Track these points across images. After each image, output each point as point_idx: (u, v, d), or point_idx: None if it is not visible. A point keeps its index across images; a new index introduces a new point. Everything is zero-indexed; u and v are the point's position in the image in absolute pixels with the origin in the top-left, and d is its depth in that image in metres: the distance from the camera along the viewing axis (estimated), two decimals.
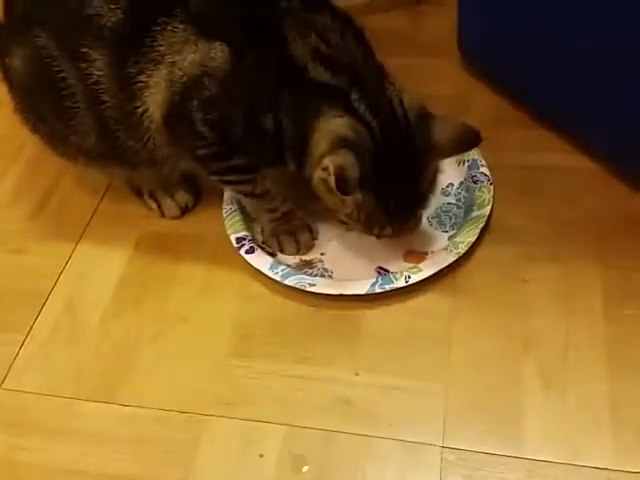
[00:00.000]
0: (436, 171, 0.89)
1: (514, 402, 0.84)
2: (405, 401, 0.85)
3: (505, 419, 0.83)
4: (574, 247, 0.97)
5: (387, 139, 0.84)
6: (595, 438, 0.80)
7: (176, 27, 0.84)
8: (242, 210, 1.04)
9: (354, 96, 0.83)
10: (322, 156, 0.83)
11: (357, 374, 0.88)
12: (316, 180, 0.85)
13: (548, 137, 1.12)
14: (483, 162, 1.06)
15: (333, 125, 0.83)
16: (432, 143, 0.85)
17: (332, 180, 0.80)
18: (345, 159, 0.80)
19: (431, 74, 1.23)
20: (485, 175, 1.05)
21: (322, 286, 0.95)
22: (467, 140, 0.86)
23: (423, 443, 0.81)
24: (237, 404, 0.87)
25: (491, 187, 1.03)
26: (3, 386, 0.91)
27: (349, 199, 0.85)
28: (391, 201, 0.86)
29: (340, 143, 0.82)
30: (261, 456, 0.83)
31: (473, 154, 1.06)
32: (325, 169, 0.81)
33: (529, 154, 1.10)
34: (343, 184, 0.80)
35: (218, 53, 0.83)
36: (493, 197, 1.02)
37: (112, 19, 0.85)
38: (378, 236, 0.92)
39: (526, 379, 0.85)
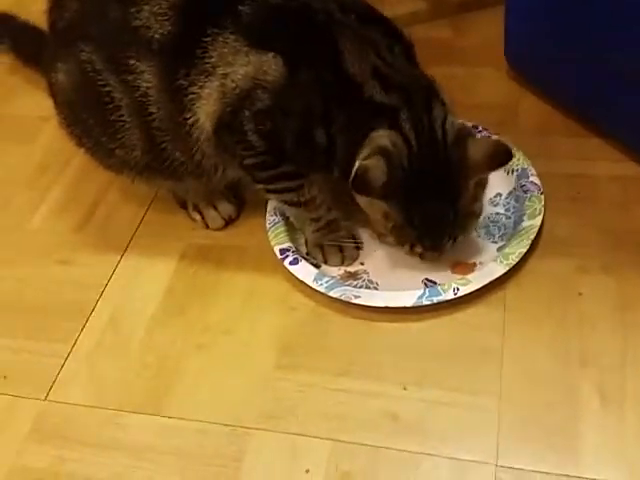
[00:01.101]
0: (477, 192, 0.87)
1: (571, 418, 0.80)
2: (456, 417, 0.82)
3: (562, 436, 0.79)
4: (628, 258, 0.94)
5: (424, 158, 0.84)
6: None
7: (227, 38, 0.84)
8: (286, 221, 1.03)
9: (403, 115, 0.84)
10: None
11: (405, 388, 0.86)
12: (351, 186, 0.85)
13: (598, 145, 1.09)
14: (533, 171, 1.03)
15: (376, 136, 0.84)
16: (467, 162, 0.84)
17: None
18: (373, 162, 0.81)
19: (478, 83, 1.21)
20: (535, 184, 1.02)
21: (367, 298, 0.93)
22: (499, 157, 0.85)
23: (476, 461, 0.78)
24: (282, 417, 0.85)
25: (542, 197, 1.00)
26: (49, 397, 0.91)
27: (377, 206, 0.85)
28: (420, 216, 0.85)
29: (378, 150, 0.83)
30: (307, 472, 0.81)
31: (522, 163, 1.03)
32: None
33: (579, 162, 1.07)
34: (359, 182, 0.81)
35: (272, 66, 0.83)
36: (544, 207, 0.99)
37: (160, 30, 0.85)
38: (420, 255, 0.92)
39: (583, 395, 0.82)
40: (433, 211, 0.86)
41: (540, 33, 1.09)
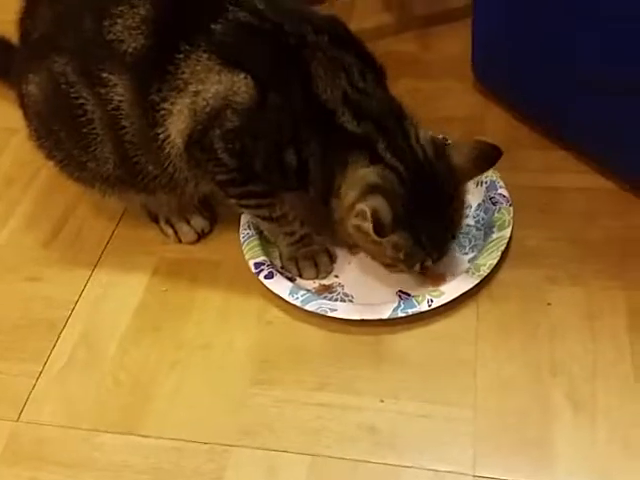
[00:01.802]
0: (464, 195, 0.90)
1: (544, 428, 0.82)
2: (433, 428, 0.83)
3: (536, 445, 0.81)
4: (596, 268, 0.97)
5: (414, 179, 0.85)
6: (627, 464, 0.78)
7: (200, 56, 0.84)
8: (260, 235, 1.03)
9: (380, 145, 0.85)
10: (353, 204, 0.84)
11: (382, 401, 0.86)
12: (350, 228, 0.87)
13: (564, 157, 1.11)
14: (501, 183, 1.05)
15: (362, 175, 0.85)
16: (454, 170, 0.86)
17: (369, 225, 0.81)
18: (376, 202, 0.82)
19: (444, 96, 1.23)
20: (504, 196, 1.04)
21: (343, 311, 0.93)
22: (488, 157, 0.88)
23: (454, 472, 0.80)
24: (260, 433, 0.85)
25: (510, 208, 1.02)
26: (21, 418, 0.90)
27: (385, 242, 0.85)
28: (426, 235, 0.86)
29: (370, 190, 0.83)
30: None
31: (491, 175, 1.05)
32: (358, 215, 0.83)
33: (546, 175, 1.10)
34: (379, 227, 0.81)
35: (242, 87, 0.83)
36: (513, 218, 1.01)
37: (133, 44, 0.85)
38: (421, 269, 0.92)
39: (555, 404, 0.84)
40: (435, 225, 0.87)
41: (506, 46, 1.12)
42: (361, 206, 0.82)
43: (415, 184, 0.85)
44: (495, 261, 0.96)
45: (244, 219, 1.05)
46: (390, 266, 0.93)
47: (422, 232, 0.86)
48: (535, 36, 1.05)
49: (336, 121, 0.84)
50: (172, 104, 0.85)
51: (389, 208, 0.82)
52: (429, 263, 0.91)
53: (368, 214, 0.81)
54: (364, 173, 0.85)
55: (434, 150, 0.87)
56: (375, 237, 0.82)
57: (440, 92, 1.24)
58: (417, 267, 0.91)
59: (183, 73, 0.84)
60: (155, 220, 1.08)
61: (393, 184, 0.84)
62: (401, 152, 0.85)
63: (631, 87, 0.93)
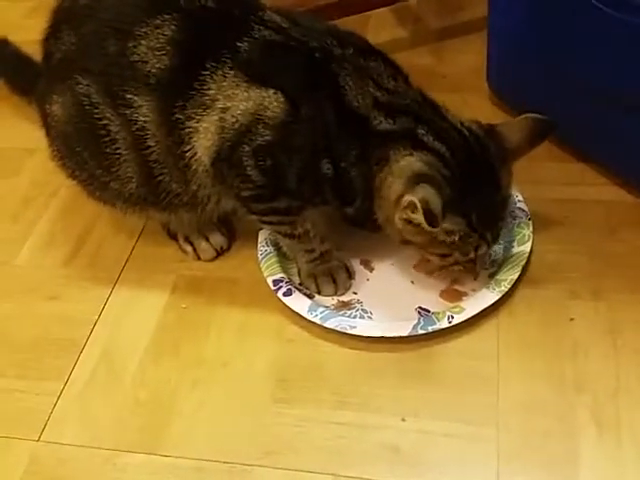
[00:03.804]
0: (511, 176, 0.89)
1: (569, 447, 0.81)
2: (455, 447, 0.83)
3: (560, 465, 0.80)
4: (617, 282, 0.96)
5: (461, 159, 0.84)
6: None
7: (226, 73, 0.84)
8: (278, 251, 1.03)
9: (420, 131, 0.85)
10: (400, 197, 0.83)
11: (404, 420, 0.86)
12: (398, 222, 0.85)
13: (582, 170, 1.11)
14: (520, 197, 1.05)
15: (404, 164, 0.84)
16: (506, 148, 0.86)
17: (419, 216, 0.80)
18: (425, 192, 0.80)
19: (460, 109, 1.19)
20: (523, 210, 1.03)
21: (363, 328, 0.93)
22: (540, 131, 0.88)
23: None
24: (280, 453, 0.85)
25: (530, 222, 1.01)
26: (42, 438, 0.90)
27: (438, 229, 0.83)
28: (477, 216, 0.84)
29: (415, 179, 0.82)
30: None
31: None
32: (407, 207, 0.82)
33: (565, 188, 1.09)
34: (431, 217, 0.79)
35: (273, 102, 0.83)
36: (532, 233, 1.00)
37: (157, 65, 0.85)
38: (471, 261, 0.90)
39: (579, 422, 0.83)
40: (486, 205, 0.85)
41: (522, 59, 1.11)
42: (409, 198, 0.80)
43: (463, 164, 0.84)
44: (516, 276, 0.95)
45: (262, 236, 1.05)
46: (445, 256, 0.90)
47: (474, 212, 0.84)
48: (550, 49, 1.04)
49: (370, 125, 0.84)
50: (198, 122, 0.86)
51: (438, 196, 0.79)
52: (484, 249, 0.88)
53: (418, 205, 0.79)
54: (407, 162, 0.83)
55: (481, 129, 0.87)
56: (428, 227, 0.80)
57: (456, 104, 1.20)
58: (472, 254, 0.88)
59: (209, 90, 0.84)
60: (174, 238, 1.08)
61: (438, 168, 0.83)
62: (444, 134, 0.84)
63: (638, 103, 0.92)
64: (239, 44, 0.85)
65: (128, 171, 0.92)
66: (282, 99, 0.83)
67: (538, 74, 1.09)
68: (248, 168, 0.86)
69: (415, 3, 1.47)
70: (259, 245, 1.04)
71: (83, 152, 0.94)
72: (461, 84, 1.27)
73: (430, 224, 0.80)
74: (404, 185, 0.83)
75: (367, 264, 1.04)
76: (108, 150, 0.91)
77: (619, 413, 0.83)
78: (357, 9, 1.31)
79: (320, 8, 1.27)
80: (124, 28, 0.87)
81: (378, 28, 1.40)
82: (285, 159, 0.85)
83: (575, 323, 0.92)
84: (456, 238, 0.85)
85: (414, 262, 1.01)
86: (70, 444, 0.89)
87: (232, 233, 1.09)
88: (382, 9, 1.38)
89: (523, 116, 0.89)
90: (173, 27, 0.85)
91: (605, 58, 0.96)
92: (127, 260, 1.09)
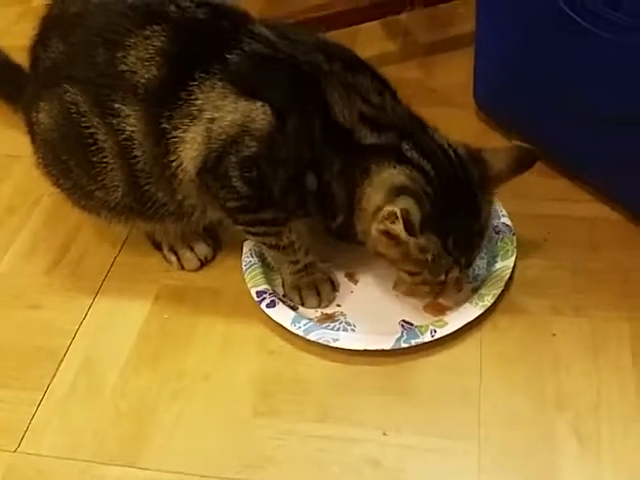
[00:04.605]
0: (493, 203, 0.90)
1: (549, 462, 0.81)
2: (437, 462, 0.83)
3: (540, 479, 0.80)
4: (599, 298, 0.96)
5: (444, 179, 0.84)
6: None
7: (215, 84, 0.84)
8: (262, 262, 1.03)
9: (405, 146, 0.85)
10: (378, 208, 0.83)
11: (385, 433, 0.86)
12: (374, 233, 0.85)
13: (566, 185, 1.12)
14: (504, 212, 1.05)
15: (386, 177, 0.84)
16: (489, 174, 0.87)
17: (398, 226, 0.80)
18: (405, 203, 0.80)
19: (447, 123, 1.20)
20: (507, 225, 1.04)
21: (346, 341, 0.93)
22: (524, 160, 0.89)
23: None
24: (262, 467, 0.84)
25: (514, 237, 1.02)
26: (20, 449, 0.88)
27: (413, 244, 0.83)
28: (453, 239, 0.84)
29: (396, 191, 0.82)
30: None
31: (494, 204, 1.05)
32: (386, 218, 0.81)
33: (549, 203, 1.10)
34: (411, 227, 0.80)
35: (260, 115, 0.83)
36: (516, 248, 1.01)
37: (146, 75, 0.85)
38: (441, 283, 0.90)
39: (560, 438, 0.83)
40: (465, 229, 0.85)
41: (507, 75, 1.12)
42: (389, 208, 0.80)
43: (445, 184, 0.84)
44: (499, 291, 0.96)
45: (246, 247, 1.05)
46: (414, 274, 0.90)
47: (451, 235, 0.84)
48: (534, 66, 1.05)
49: (355, 139, 0.84)
50: (185, 132, 0.85)
51: (419, 209, 0.80)
52: (455, 273, 0.88)
53: (398, 214, 0.79)
54: (389, 174, 0.84)
55: (467, 152, 0.87)
56: (405, 236, 0.80)
57: (443, 119, 1.21)
58: (442, 277, 0.88)
59: (197, 100, 0.84)
60: (158, 247, 1.08)
61: (421, 184, 0.83)
62: (430, 152, 0.85)
63: (625, 119, 0.94)
64: (228, 56, 0.85)
65: (114, 180, 0.92)
66: (269, 112, 0.83)
67: (523, 91, 1.10)
68: (234, 179, 0.86)
69: (405, 17, 1.48)
70: (243, 256, 1.04)
71: (69, 160, 0.94)
72: (449, 99, 1.28)
73: (409, 232, 0.80)
74: (385, 197, 0.83)
75: (351, 277, 1.04)
76: (94, 159, 0.90)
77: (600, 429, 0.83)
78: (346, 22, 1.31)
79: (310, 20, 1.28)
80: (113, 38, 0.87)
81: (367, 41, 1.41)
82: (270, 171, 0.85)
83: (557, 339, 0.92)
84: (429, 257, 0.85)
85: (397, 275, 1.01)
86: (48, 455, 0.88)
87: (217, 243, 1.09)
88: (372, 23, 1.39)
89: (510, 144, 0.90)
90: (163, 38, 0.85)
91: (586, 74, 0.97)
92: (110, 269, 1.08)
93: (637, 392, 0.86)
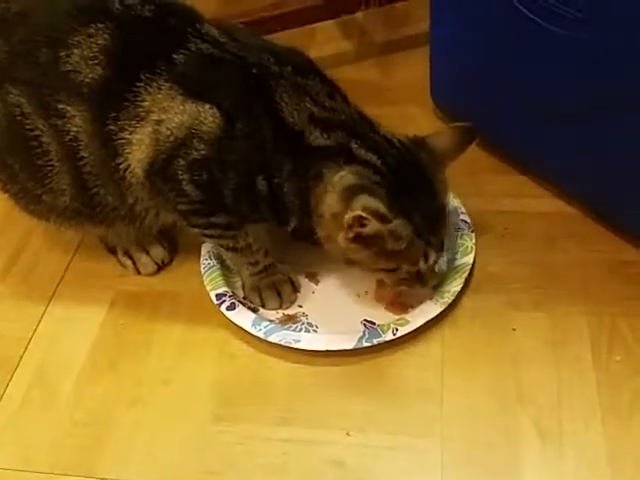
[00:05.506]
0: (447, 183, 0.90)
1: (511, 456, 0.81)
2: (400, 460, 0.82)
3: (503, 475, 0.80)
4: (558, 294, 0.97)
5: (393, 166, 0.84)
6: None
7: (161, 85, 0.82)
8: (221, 265, 1.01)
9: (354, 145, 0.84)
10: (336, 215, 0.82)
11: (349, 434, 0.85)
12: (343, 242, 0.84)
13: (524, 182, 1.12)
14: (463, 209, 1.06)
15: (336, 181, 0.83)
16: (437, 155, 0.88)
17: (372, 222, 0.79)
18: (362, 200, 0.80)
19: (405, 122, 1.21)
20: (466, 222, 1.04)
21: (308, 342, 0.92)
22: (465, 138, 0.91)
23: None
24: (223, 473, 0.83)
25: (472, 234, 1.02)
26: None
27: (387, 235, 0.82)
28: (420, 220, 0.84)
29: (347, 193, 0.82)
30: None
31: (452, 201, 1.05)
32: (352, 226, 0.80)
33: (506, 200, 1.10)
34: (380, 217, 0.79)
35: (208, 117, 0.82)
36: (475, 244, 1.01)
37: (91, 75, 0.83)
38: (419, 273, 0.89)
39: (522, 432, 0.83)
40: (426, 211, 0.85)
41: (462, 73, 1.13)
42: (351, 214, 0.79)
43: (394, 170, 0.84)
44: (459, 288, 0.96)
45: (205, 249, 1.03)
46: (392, 271, 0.89)
47: (414, 214, 0.83)
48: (487, 63, 1.06)
49: (305, 141, 0.83)
50: (131, 133, 0.83)
51: (374, 199, 0.80)
52: (432, 257, 0.87)
53: (364, 214, 0.78)
54: (339, 177, 0.83)
55: (412, 140, 0.88)
56: (382, 227, 0.80)
57: (400, 118, 1.23)
58: (421, 263, 0.87)
59: (144, 101, 0.82)
60: (112, 252, 1.06)
61: (367, 175, 0.82)
62: (375, 145, 0.85)
63: (578, 114, 0.95)
64: (175, 56, 0.83)
65: (61, 184, 0.89)
66: (218, 114, 0.82)
67: (479, 88, 1.10)
68: (183, 182, 0.85)
69: (361, 17, 1.48)
70: (202, 258, 1.02)
71: (14, 164, 0.91)
72: (406, 98, 1.28)
73: (384, 222, 0.80)
74: (339, 202, 0.82)
75: (312, 277, 1.03)
76: (40, 162, 0.88)
77: (561, 424, 0.84)
78: (301, 21, 1.31)
79: (265, 19, 1.27)
80: (56, 37, 0.84)
81: (324, 41, 1.41)
82: (220, 174, 0.84)
83: (517, 334, 0.93)
84: (404, 245, 0.84)
85: (359, 275, 1.00)
86: (5, 468, 0.85)
87: (174, 246, 1.07)
88: (328, 22, 1.38)
89: (450, 125, 0.94)
90: (106, 36, 0.83)
91: (539, 70, 0.97)
92: (63, 276, 1.06)
93: (597, 386, 0.86)
